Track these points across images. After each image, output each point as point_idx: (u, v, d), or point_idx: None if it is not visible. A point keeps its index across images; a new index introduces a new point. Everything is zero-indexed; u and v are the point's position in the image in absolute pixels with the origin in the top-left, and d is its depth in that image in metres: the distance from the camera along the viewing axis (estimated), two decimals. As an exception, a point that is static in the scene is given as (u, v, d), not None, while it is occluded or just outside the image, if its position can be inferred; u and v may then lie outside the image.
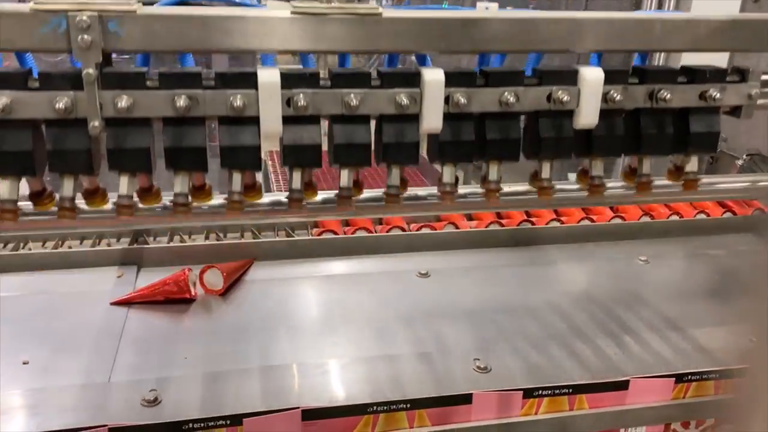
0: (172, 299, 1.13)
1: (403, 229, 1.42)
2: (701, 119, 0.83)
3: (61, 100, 0.67)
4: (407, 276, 1.27)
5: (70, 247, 1.25)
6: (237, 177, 0.75)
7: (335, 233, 1.37)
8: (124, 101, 0.68)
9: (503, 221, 1.50)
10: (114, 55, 0.72)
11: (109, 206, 0.77)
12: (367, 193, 0.84)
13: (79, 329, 1.05)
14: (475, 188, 0.88)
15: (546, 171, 0.84)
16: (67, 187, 0.72)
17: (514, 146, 0.80)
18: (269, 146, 0.75)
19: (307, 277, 1.25)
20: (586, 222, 1.52)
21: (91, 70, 0.66)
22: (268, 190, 3.70)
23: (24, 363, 0.97)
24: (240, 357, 1.00)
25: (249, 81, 0.70)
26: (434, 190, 0.85)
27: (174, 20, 0.67)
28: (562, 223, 1.51)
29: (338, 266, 1.29)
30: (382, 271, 1.29)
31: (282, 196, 0.82)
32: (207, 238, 1.33)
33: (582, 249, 1.43)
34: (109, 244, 1.28)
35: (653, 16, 0.78)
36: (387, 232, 1.40)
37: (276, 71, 0.71)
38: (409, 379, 0.96)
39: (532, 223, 1.49)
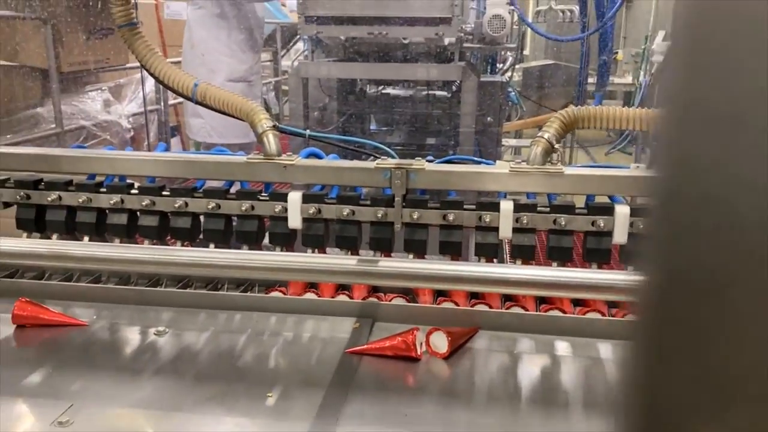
0: (400, 356, 1.19)
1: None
2: None
3: (379, 212, 1.27)
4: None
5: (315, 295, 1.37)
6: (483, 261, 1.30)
7: (563, 311, 1.32)
8: (416, 215, 1.26)
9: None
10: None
11: (352, 261, 1.26)
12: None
13: (317, 371, 1.16)
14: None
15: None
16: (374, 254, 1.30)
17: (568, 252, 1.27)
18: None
19: (531, 352, 1.23)
20: None
21: (399, 198, 1.24)
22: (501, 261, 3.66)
23: (268, 395, 1.10)
24: (453, 423, 1.02)
25: (494, 207, 1.24)
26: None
27: (444, 173, 1.25)
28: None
29: (564, 346, 1.25)
30: (616, 358, 1.22)
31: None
32: (436, 301, 1.37)
33: None
34: (350, 297, 1.38)
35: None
36: (622, 317, 1.32)
37: (510, 203, 1.23)
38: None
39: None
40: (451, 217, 1.25)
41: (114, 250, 1.31)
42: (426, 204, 1.26)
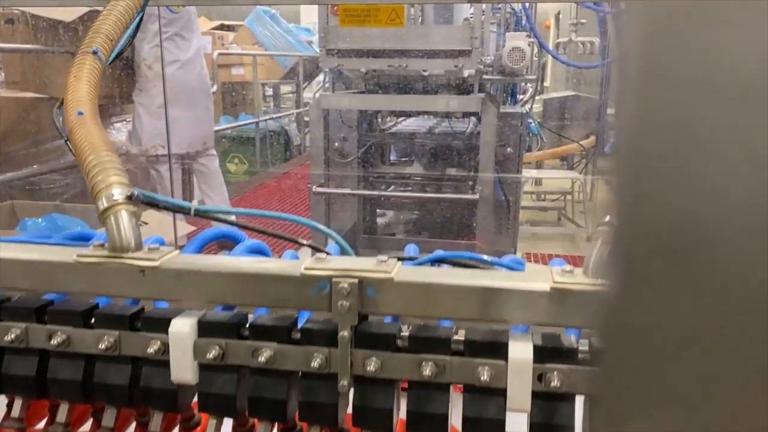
0: None
1: None
2: None
3: (316, 356, 0.60)
4: None
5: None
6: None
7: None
8: (372, 364, 0.59)
9: None
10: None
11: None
12: None
13: None
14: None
15: None
16: None
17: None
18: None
19: None
20: None
21: (346, 333, 0.59)
22: None
23: None
24: None
25: (501, 353, 0.57)
26: None
27: (425, 287, 0.59)
28: None
29: None
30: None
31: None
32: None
33: None
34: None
35: None
36: None
37: (530, 344, 0.57)
38: None
39: None
40: (426, 372, 0.58)
41: None
42: (393, 341, 0.60)
